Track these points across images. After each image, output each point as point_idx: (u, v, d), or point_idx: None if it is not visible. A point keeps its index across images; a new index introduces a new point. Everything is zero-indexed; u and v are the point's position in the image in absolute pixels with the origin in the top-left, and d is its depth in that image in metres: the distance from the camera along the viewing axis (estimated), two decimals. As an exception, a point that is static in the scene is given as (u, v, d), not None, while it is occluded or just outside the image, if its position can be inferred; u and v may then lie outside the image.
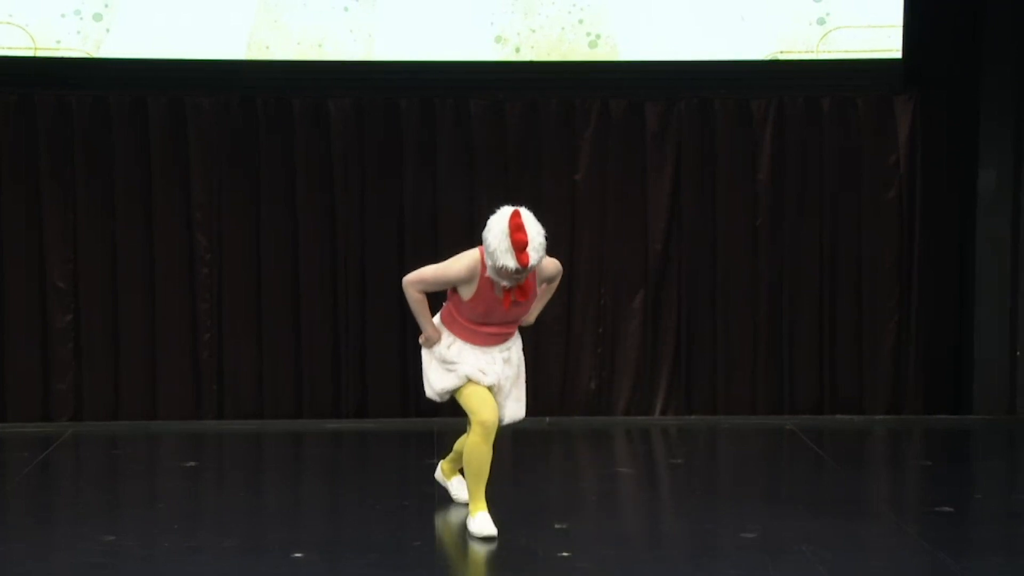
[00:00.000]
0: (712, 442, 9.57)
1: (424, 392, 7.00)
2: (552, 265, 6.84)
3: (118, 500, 7.92)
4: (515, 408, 6.92)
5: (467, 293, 6.67)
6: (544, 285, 6.92)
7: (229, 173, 9.87)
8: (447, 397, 6.90)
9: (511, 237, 6.38)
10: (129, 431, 9.66)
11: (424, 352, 6.92)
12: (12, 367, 9.84)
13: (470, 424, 6.77)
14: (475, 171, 9.81)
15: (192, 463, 8.76)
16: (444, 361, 6.80)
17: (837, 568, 6.25)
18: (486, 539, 6.73)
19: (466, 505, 7.02)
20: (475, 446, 6.73)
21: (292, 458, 9.22)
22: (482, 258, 6.56)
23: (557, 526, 6.87)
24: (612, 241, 10.00)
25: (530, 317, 6.99)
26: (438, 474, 7.51)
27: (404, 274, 9.76)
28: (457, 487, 7.36)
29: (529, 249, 6.39)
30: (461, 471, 7.18)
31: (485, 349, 6.78)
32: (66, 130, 9.76)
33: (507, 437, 9.53)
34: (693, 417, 10.06)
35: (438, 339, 6.82)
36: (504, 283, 6.55)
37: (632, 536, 7.04)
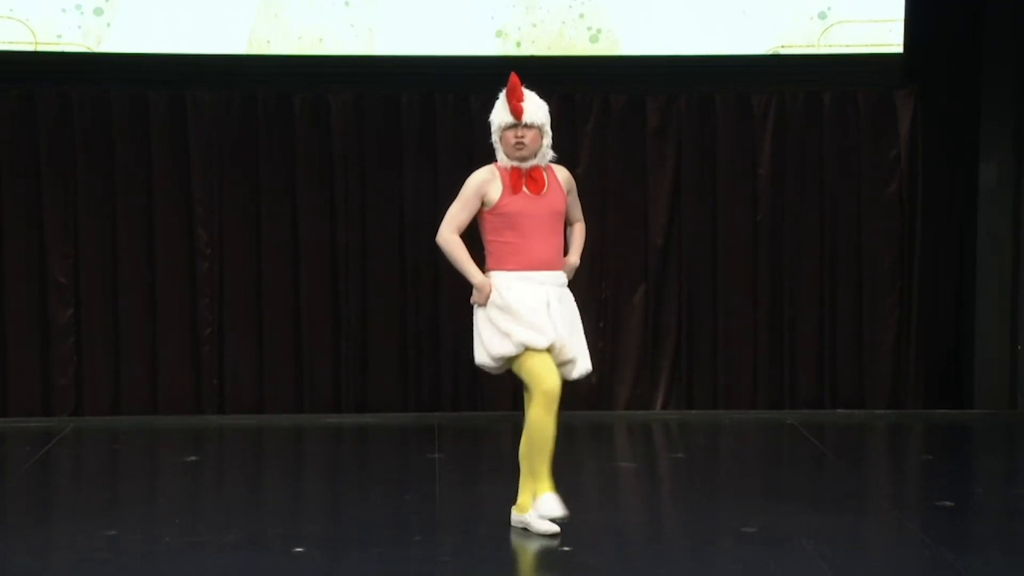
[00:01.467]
0: (713, 437, 9.57)
1: (474, 359, 6.63)
2: (567, 172, 6.70)
3: (119, 495, 7.92)
4: (583, 361, 6.63)
5: (495, 194, 6.52)
6: (569, 198, 6.68)
7: (230, 168, 9.88)
8: (503, 365, 6.54)
9: (505, 94, 6.51)
10: (130, 426, 9.66)
11: (477, 315, 6.58)
12: (13, 362, 9.85)
13: (531, 398, 6.53)
14: (476, 166, 9.73)
15: (193, 458, 8.77)
16: (500, 313, 6.45)
17: (838, 563, 6.25)
18: (556, 522, 6.49)
19: (551, 536, 6.58)
20: (539, 419, 6.44)
21: (293, 453, 9.23)
22: (497, 165, 6.59)
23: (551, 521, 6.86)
24: (613, 236, 10.00)
25: (573, 256, 6.75)
26: (514, 517, 6.74)
27: (405, 268, 9.93)
28: (536, 519, 6.63)
29: (524, 103, 6.46)
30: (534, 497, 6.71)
31: (540, 278, 6.51)
32: (67, 125, 9.76)
33: (508, 432, 9.54)
34: (694, 412, 10.06)
35: (488, 287, 6.51)
36: (515, 162, 6.50)
37: (633, 530, 7.05)
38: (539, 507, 6.53)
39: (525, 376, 6.50)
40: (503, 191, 6.54)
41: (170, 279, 9.87)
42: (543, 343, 6.47)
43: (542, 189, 6.56)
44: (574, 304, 6.73)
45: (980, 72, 9.91)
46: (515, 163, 6.54)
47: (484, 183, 6.57)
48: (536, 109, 6.54)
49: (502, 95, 6.58)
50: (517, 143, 6.50)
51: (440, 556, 6.45)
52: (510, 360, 6.52)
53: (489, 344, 6.51)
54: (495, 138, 6.60)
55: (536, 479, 6.54)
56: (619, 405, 10.09)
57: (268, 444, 9.45)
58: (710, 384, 10.11)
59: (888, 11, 9.95)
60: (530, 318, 6.47)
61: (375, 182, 9.94)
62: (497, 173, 6.58)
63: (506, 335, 6.47)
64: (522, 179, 6.54)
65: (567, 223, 6.80)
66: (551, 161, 6.67)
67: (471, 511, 7.05)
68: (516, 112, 6.48)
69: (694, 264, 10.07)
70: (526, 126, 6.50)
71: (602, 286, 10.03)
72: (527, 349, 6.46)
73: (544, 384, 6.45)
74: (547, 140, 6.59)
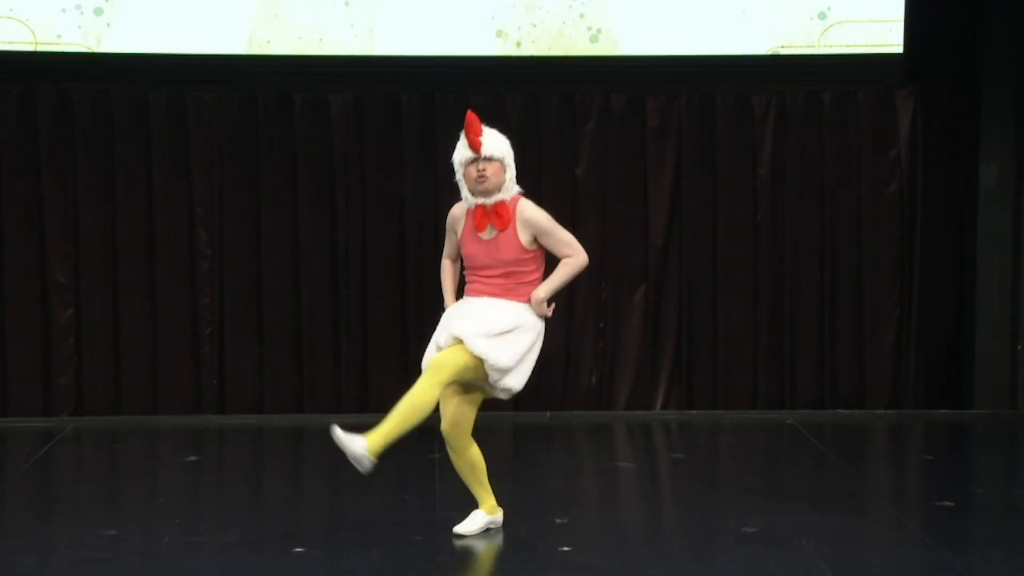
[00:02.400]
0: (713, 437, 9.57)
1: None
2: (534, 212, 6.51)
3: (119, 495, 7.93)
4: (466, 328, 6.41)
5: (459, 231, 6.59)
6: (539, 239, 6.51)
7: (230, 168, 9.88)
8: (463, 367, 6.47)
9: (464, 130, 6.47)
10: (130, 426, 9.67)
11: None
12: (13, 362, 9.86)
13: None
14: (476, 166, 9.81)
15: (193, 458, 8.77)
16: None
17: (838, 563, 6.25)
18: (347, 454, 6.45)
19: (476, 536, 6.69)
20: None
21: (293, 453, 9.23)
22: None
23: (558, 520, 6.87)
24: (613, 236, 10.01)
25: (540, 290, 6.50)
26: (488, 519, 6.79)
27: (405, 268, 9.95)
28: (478, 519, 6.76)
29: (483, 138, 6.42)
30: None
31: (472, 299, 6.57)
32: (67, 125, 9.76)
33: (508, 432, 9.55)
34: (694, 412, 10.06)
35: None
36: (475, 199, 6.45)
37: (633, 530, 7.04)
38: (348, 441, 6.45)
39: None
40: (464, 230, 6.58)
41: (170, 279, 9.88)
42: (432, 349, 6.52)
43: (507, 225, 6.50)
44: (510, 317, 6.48)
45: (980, 72, 9.91)
46: (479, 200, 6.49)
47: (455, 220, 6.64)
48: (495, 143, 6.49)
49: (462, 135, 6.52)
50: (479, 177, 6.45)
51: (440, 556, 6.45)
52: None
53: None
54: (458, 177, 6.54)
55: (380, 429, 6.39)
56: (619, 405, 10.09)
57: (268, 444, 9.44)
58: (710, 384, 10.11)
59: (888, 11, 9.95)
60: (441, 330, 6.54)
61: (375, 182, 9.94)
62: (464, 209, 6.60)
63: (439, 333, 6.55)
64: (488, 216, 6.51)
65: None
66: (520, 194, 6.57)
67: (471, 511, 7.03)
68: (474, 145, 6.44)
69: (694, 264, 10.07)
70: (486, 159, 6.45)
71: (602, 286, 10.03)
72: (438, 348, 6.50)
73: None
74: (510, 174, 6.52)
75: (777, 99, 10.02)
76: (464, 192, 6.54)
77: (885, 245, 10.10)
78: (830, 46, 9.98)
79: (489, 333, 6.40)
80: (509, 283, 6.53)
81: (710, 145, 10.04)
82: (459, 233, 6.61)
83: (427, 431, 9.28)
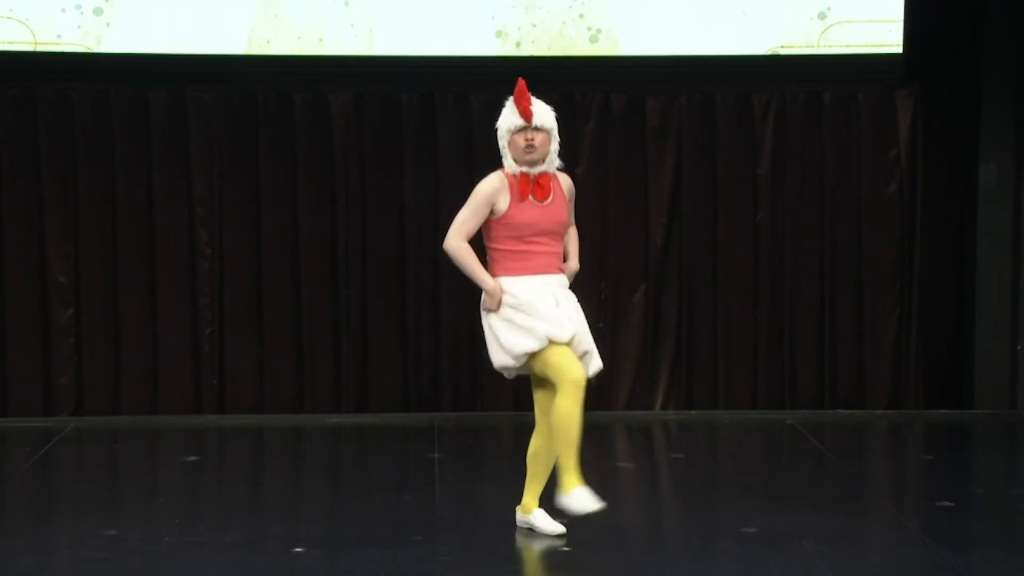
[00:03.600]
0: (713, 437, 9.57)
1: (492, 362, 6.55)
2: (569, 180, 6.66)
3: (119, 495, 7.93)
4: (597, 356, 6.61)
5: (503, 203, 6.46)
6: (569, 205, 6.64)
7: (229, 168, 9.88)
8: (523, 365, 6.45)
9: (514, 99, 6.47)
10: (130, 426, 9.67)
11: (490, 320, 6.50)
12: (13, 362, 9.85)
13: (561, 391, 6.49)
14: (476, 166, 9.79)
15: (193, 458, 8.77)
16: (517, 313, 6.41)
17: (837, 563, 6.25)
18: (592, 514, 6.40)
19: (558, 536, 6.61)
20: (568, 410, 6.39)
21: (293, 453, 9.23)
22: (505, 171, 6.52)
23: (558, 520, 6.86)
24: (613, 236, 10.01)
25: (573, 261, 6.66)
26: (519, 518, 6.78)
27: (405, 268, 9.94)
28: (542, 520, 6.69)
29: (533, 107, 6.43)
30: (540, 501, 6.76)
31: (544, 280, 6.47)
32: (67, 125, 9.76)
33: (508, 432, 9.55)
34: (694, 412, 10.06)
35: (500, 290, 6.44)
36: (523, 167, 6.44)
37: (633, 531, 7.04)
38: (572, 502, 6.36)
39: (549, 371, 6.43)
40: (511, 200, 6.50)
41: (170, 279, 9.88)
42: (565, 335, 6.42)
43: (548, 196, 6.53)
44: (577, 303, 6.65)
45: (980, 72, 9.91)
46: (524, 168, 6.48)
47: (495, 191, 6.49)
48: (545, 113, 6.51)
49: (509, 101, 6.53)
50: (527, 146, 6.45)
51: (440, 556, 6.45)
52: (531, 357, 6.43)
53: (511, 344, 6.43)
54: (503, 143, 6.52)
55: (564, 473, 6.40)
56: (619, 405, 10.09)
57: (268, 444, 9.45)
58: (710, 384, 10.11)
59: (888, 11, 9.95)
60: (548, 312, 6.43)
61: (375, 182, 9.94)
62: (506, 181, 6.52)
63: (528, 330, 6.41)
64: (530, 185, 6.49)
65: None
66: (558, 168, 6.64)
67: (471, 511, 7.05)
68: (526, 114, 6.44)
69: (694, 264, 10.07)
70: (536, 129, 6.45)
71: (602, 286, 10.03)
72: (550, 342, 6.40)
73: (571, 374, 6.41)
74: (555, 145, 6.54)
75: (777, 99, 10.02)
76: (507, 160, 6.51)
77: (885, 245, 10.10)
78: (830, 46, 9.98)
79: (594, 347, 6.61)
80: (561, 249, 6.60)
81: (710, 145, 10.04)
82: (503, 206, 6.47)
83: (427, 431, 9.31)
